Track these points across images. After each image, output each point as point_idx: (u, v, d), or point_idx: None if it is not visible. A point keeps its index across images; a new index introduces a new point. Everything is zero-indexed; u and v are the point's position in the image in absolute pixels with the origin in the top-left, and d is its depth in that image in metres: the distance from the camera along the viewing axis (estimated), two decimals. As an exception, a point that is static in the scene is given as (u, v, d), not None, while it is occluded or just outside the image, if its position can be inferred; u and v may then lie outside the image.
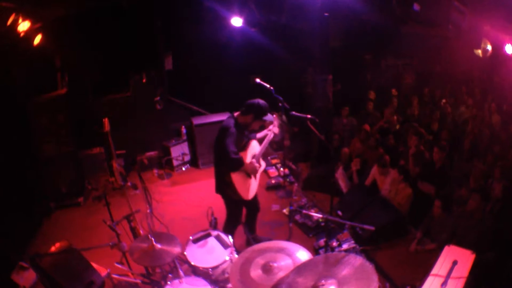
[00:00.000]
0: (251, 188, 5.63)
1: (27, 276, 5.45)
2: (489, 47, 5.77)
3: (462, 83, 11.89)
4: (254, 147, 5.65)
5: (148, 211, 6.01)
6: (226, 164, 5.31)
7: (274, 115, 5.72)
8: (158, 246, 4.32)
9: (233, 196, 5.49)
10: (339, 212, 7.04)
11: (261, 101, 5.36)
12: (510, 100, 10.26)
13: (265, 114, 5.38)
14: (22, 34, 6.35)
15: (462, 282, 3.68)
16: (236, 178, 5.34)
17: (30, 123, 7.70)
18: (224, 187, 5.50)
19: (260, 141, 5.76)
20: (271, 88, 6.28)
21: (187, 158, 9.74)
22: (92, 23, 8.00)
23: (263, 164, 5.75)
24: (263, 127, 5.79)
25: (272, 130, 5.75)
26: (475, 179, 7.06)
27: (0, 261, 5.46)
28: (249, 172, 5.50)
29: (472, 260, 3.92)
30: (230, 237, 4.98)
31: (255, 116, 5.37)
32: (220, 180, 5.53)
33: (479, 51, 5.94)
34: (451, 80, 12.30)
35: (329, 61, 8.81)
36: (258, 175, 5.72)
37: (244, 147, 5.50)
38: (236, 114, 5.45)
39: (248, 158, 5.46)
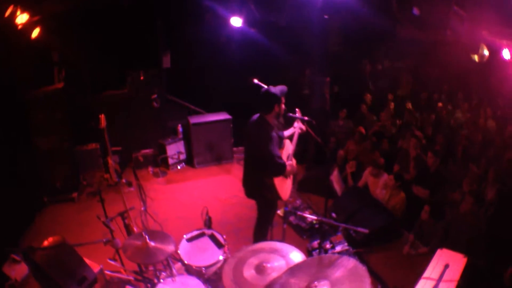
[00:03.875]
0: (288, 188, 5.61)
1: (19, 269, 5.46)
2: (486, 52, 5.78)
3: (459, 88, 11.93)
4: (288, 146, 5.62)
5: (142, 208, 6.00)
6: (271, 169, 5.20)
7: (297, 109, 5.68)
8: (152, 243, 4.31)
9: (270, 196, 5.42)
10: (333, 214, 7.04)
11: (271, 88, 5.21)
12: (504, 105, 10.33)
13: (283, 93, 5.22)
14: (20, 27, 6.33)
15: (453, 285, 3.70)
16: (277, 179, 5.29)
17: (26, 116, 7.68)
18: (262, 189, 5.37)
19: (289, 138, 5.73)
20: (268, 88, 6.26)
21: (182, 157, 9.73)
22: (92, 18, 7.99)
23: (294, 161, 5.68)
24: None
25: (298, 126, 5.66)
26: (469, 183, 7.08)
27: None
28: (288, 174, 5.46)
29: (464, 264, 3.94)
30: (223, 236, 4.98)
31: (279, 103, 5.19)
32: (258, 182, 5.37)
33: (476, 56, 5.96)
34: (448, 84, 12.34)
35: (327, 63, 8.83)
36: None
37: (280, 147, 5.45)
38: (258, 115, 5.32)
39: (284, 158, 5.40)
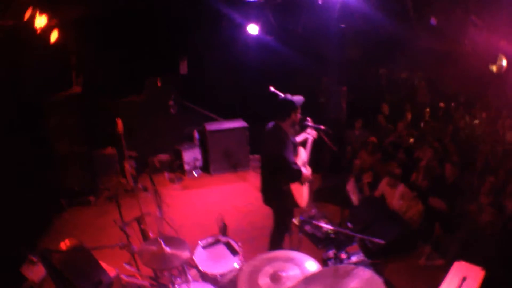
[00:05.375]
0: (305, 195, 5.61)
1: (36, 271, 5.51)
2: (505, 63, 5.74)
3: (477, 98, 11.79)
4: (302, 154, 5.62)
5: (158, 214, 6.02)
6: (287, 175, 5.21)
7: (309, 119, 5.69)
8: (167, 249, 4.32)
9: (287, 204, 5.43)
10: (349, 224, 7.01)
11: (288, 96, 5.26)
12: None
13: (300, 101, 5.26)
14: (39, 31, 6.40)
15: (471, 299, 3.66)
16: (294, 187, 5.30)
17: (44, 120, 7.78)
18: (279, 197, 5.39)
19: (302, 145, 5.74)
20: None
21: (198, 163, 9.76)
22: (110, 24, 8.08)
23: (309, 169, 5.70)
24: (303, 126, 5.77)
25: (310, 134, 5.69)
26: (486, 194, 6.99)
27: (11, 254, 5.52)
28: (303, 181, 5.46)
29: (482, 277, 3.89)
30: (238, 244, 4.99)
31: (295, 112, 5.25)
32: (275, 190, 5.39)
33: (494, 67, 5.92)
34: (466, 94, 12.21)
35: (344, 72, 8.80)
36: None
37: (294, 154, 5.46)
38: (274, 123, 5.35)
39: (300, 166, 5.41)
